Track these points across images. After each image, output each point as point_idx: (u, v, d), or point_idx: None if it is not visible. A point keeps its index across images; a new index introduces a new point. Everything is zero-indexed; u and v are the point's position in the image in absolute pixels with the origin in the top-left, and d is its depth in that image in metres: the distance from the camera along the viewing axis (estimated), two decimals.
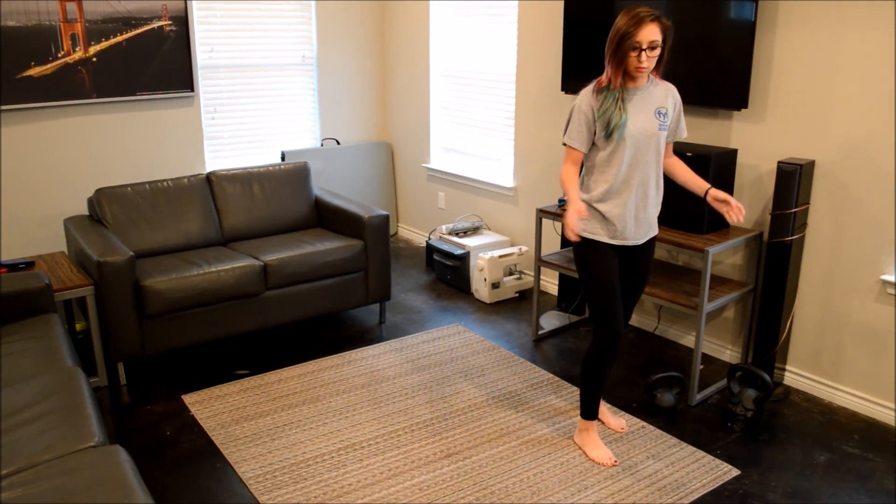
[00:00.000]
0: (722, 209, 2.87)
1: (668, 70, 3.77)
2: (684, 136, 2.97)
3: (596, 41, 4.07)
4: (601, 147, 2.83)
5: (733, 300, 3.66)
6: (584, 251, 2.95)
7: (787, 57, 3.47)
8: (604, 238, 2.89)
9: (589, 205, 2.89)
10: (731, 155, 3.61)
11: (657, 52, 2.68)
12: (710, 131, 3.83)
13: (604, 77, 2.79)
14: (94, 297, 3.58)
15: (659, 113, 2.82)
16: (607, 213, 2.86)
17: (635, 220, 2.88)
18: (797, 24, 3.40)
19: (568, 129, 2.86)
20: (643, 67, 2.68)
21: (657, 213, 2.98)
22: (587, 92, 2.82)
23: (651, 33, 2.64)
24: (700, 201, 3.47)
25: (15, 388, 2.60)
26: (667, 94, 2.85)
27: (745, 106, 3.55)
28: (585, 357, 3.05)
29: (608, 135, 2.77)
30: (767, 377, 3.30)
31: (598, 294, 2.94)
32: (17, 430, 2.34)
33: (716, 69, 3.61)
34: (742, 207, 2.83)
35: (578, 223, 2.79)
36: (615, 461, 3.05)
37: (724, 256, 3.87)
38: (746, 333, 3.82)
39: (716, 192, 2.90)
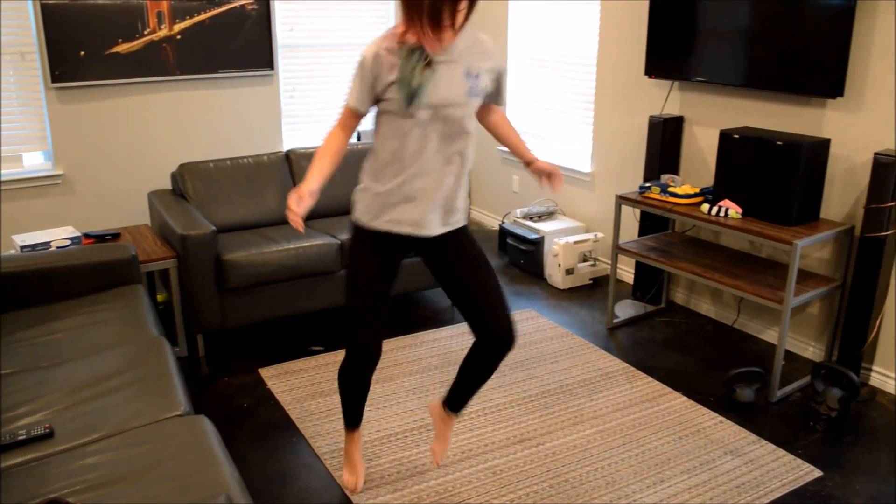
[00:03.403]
0: (542, 180, 2.55)
1: (755, 55, 3.65)
2: (504, 102, 2.51)
3: (683, 23, 3.97)
4: (390, 113, 2.29)
5: (820, 296, 3.53)
6: (350, 239, 2.49)
7: (888, 42, 3.30)
8: (368, 222, 2.41)
9: (366, 184, 2.44)
10: (823, 145, 3.47)
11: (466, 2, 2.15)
12: (802, 120, 3.68)
13: (402, 29, 2.21)
14: (177, 269, 3.66)
15: (469, 74, 2.28)
16: (381, 193, 2.37)
17: (428, 203, 2.35)
18: None
19: (352, 87, 2.33)
20: (445, 25, 2.16)
21: (462, 199, 2.43)
22: (379, 46, 2.25)
23: None
24: (791, 192, 3.38)
25: (103, 355, 2.68)
26: (482, 52, 2.32)
27: (841, 94, 3.40)
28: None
29: (409, 100, 2.21)
30: (855, 376, 3.18)
31: (349, 293, 2.45)
32: (105, 396, 2.41)
33: (809, 54, 3.47)
34: (562, 178, 2.52)
35: (297, 205, 2.26)
36: (355, 489, 2.75)
37: (811, 250, 3.74)
38: (832, 330, 3.69)
39: (542, 165, 2.52)
